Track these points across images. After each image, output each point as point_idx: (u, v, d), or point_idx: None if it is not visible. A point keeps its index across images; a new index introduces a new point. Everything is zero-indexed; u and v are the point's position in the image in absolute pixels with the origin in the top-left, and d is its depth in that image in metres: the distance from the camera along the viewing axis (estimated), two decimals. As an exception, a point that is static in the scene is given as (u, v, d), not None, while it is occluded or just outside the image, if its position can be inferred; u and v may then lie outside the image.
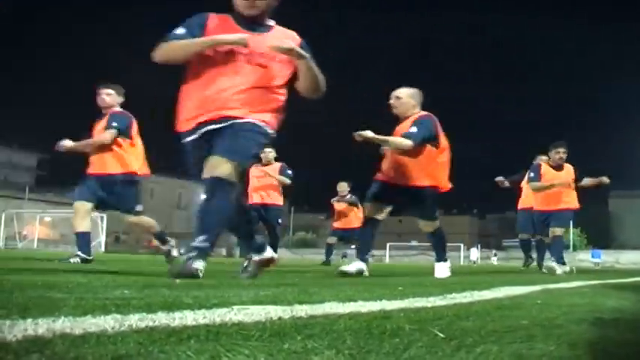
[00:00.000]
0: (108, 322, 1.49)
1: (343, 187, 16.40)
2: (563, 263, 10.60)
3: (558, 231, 10.65)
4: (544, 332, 1.73)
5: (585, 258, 58.43)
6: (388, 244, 68.01)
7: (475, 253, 59.65)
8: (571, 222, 11.57)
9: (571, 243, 71.08)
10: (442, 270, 7.25)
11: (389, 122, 6.78)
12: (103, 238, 44.69)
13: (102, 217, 44.95)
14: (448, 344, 1.43)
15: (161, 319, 1.61)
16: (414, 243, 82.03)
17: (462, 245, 64.16)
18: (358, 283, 4.51)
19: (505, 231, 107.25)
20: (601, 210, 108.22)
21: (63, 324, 1.43)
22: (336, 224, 16.60)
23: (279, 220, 12.27)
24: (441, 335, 1.56)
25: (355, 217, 15.44)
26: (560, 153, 10.65)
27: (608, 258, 57.79)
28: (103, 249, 42.61)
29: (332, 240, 16.94)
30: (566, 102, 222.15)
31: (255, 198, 12.00)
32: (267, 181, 12.10)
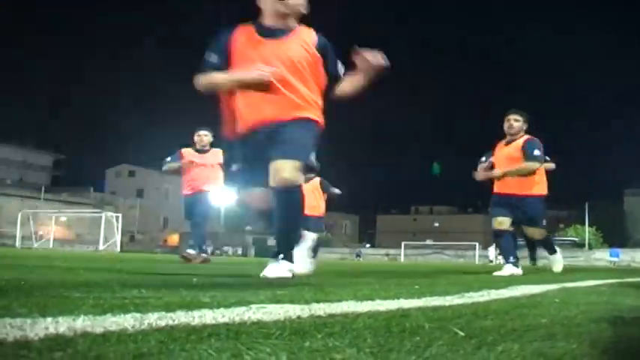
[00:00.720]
0: (128, 321, 1.50)
1: None
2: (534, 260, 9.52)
3: (537, 235, 8.97)
4: (564, 331, 1.72)
5: (601, 257, 58.21)
6: (403, 243, 68.08)
7: (493, 252, 59.57)
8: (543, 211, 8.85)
9: (587, 242, 70.94)
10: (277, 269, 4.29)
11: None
12: (118, 238, 44.94)
13: (117, 217, 45.25)
14: (469, 343, 1.43)
15: (180, 317, 1.61)
16: (428, 242, 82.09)
17: (477, 244, 64.08)
18: (374, 282, 4.50)
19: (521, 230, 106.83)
20: (616, 208, 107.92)
21: (83, 323, 1.43)
22: None
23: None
24: (461, 334, 1.55)
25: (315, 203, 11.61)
26: (510, 121, 8.18)
27: (623, 257, 57.48)
28: (118, 248, 42.82)
29: None
30: (580, 99, 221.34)
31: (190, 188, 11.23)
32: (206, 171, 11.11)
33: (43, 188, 77.15)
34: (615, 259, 55.72)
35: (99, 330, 1.37)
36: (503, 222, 8.38)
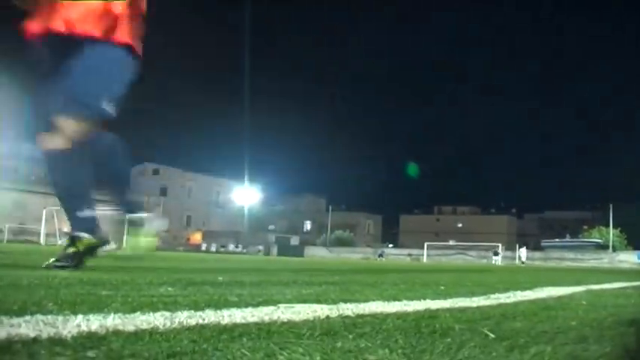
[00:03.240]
0: (158, 319, 1.50)
1: None
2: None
3: None
4: (595, 333, 1.70)
5: (625, 259, 57.66)
6: (426, 244, 67.93)
7: (524, 253, 59.50)
8: None
9: (611, 244, 70.26)
10: None
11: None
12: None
13: (141, 215, 45.42)
14: (500, 344, 1.42)
15: (210, 316, 1.61)
16: (451, 242, 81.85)
17: (500, 245, 63.84)
18: (399, 282, 4.49)
19: (544, 230, 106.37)
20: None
21: (114, 321, 1.44)
22: None
23: None
24: (492, 335, 1.54)
25: None
26: None
27: (647, 259, 56.91)
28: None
29: None
30: (605, 100, 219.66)
31: None
32: None
33: (67, 185, 77.50)
34: (643, 261, 55.09)
35: (130, 328, 1.37)
36: None
